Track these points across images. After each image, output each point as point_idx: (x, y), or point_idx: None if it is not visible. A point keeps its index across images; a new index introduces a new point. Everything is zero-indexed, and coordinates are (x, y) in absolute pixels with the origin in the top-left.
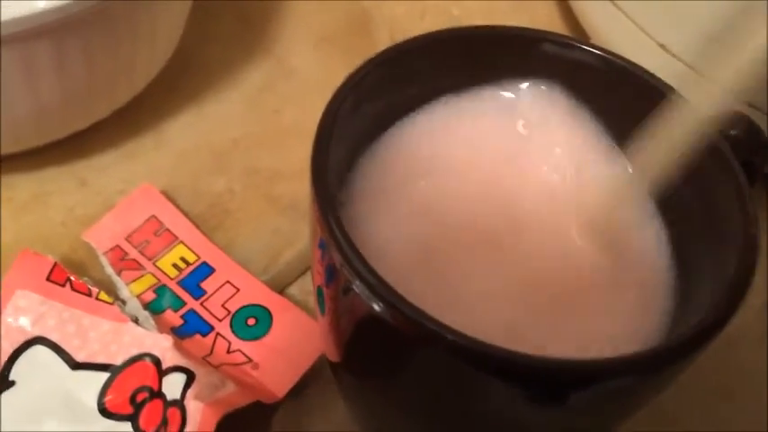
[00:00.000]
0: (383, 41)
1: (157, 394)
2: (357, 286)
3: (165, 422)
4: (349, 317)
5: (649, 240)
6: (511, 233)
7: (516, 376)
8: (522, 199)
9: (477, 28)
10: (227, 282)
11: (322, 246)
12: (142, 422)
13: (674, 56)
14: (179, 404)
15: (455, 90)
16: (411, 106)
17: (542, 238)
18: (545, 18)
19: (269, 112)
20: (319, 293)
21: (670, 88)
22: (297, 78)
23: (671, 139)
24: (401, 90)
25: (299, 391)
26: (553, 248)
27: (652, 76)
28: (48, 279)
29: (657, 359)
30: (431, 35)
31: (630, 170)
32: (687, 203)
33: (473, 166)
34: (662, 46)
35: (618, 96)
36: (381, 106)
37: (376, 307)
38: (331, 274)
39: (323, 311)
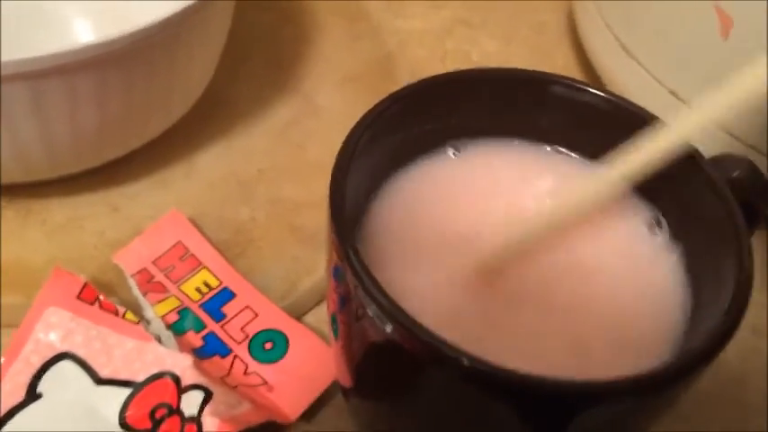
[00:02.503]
0: (405, 82)
1: (176, 411)
2: (370, 309)
3: None
4: (361, 341)
5: (666, 273)
6: (527, 277)
7: (527, 398)
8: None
9: (492, 70)
10: (247, 307)
11: (336, 272)
12: None
13: (683, 102)
14: (196, 420)
15: (469, 131)
16: (427, 144)
17: (559, 276)
18: (562, 64)
19: (294, 147)
20: (333, 320)
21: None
22: (322, 116)
23: (646, 151)
24: (417, 126)
25: (311, 414)
26: (572, 285)
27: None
28: (78, 297)
29: (646, 384)
30: (447, 75)
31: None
32: (696, 240)
33: (487, 212)
34: (672, 93)
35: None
36: (398, 141)
37: (387, 329)
38: (344, 300)
39: (336, 336)
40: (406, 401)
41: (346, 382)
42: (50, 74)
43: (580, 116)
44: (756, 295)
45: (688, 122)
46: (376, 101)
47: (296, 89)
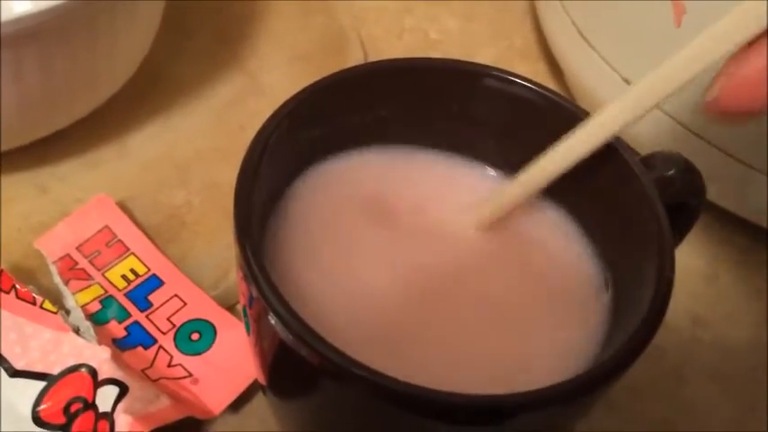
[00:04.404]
0: (357, 62)
1: (91, 405)
2: (270, 317)
3: None
4: (268, 342)
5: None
6: (436, 274)
7: (418, 410)
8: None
9: (418, 60)
10: (175, 295)
11: (242, 272)
12: None
13: None
14: (109, 417)
15: (393, 125)
16: (348, 138)
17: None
18: (521, 45)
19: (235, 128)
20: (244, 313)
21: None
22: (267, 95)
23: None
24: (339, 119)
25: (236, 408)
26: (484, 279)
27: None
28: None
29: (563, 394)
30: (371, 65)
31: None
32: (617, 235)
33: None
34: (626, 80)
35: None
36: (318, 134)
37: (287, 340)
38: (250, 299)
39: (248, 331)
40: (313, 406)
41: (260, 377)
42: None
43: (511, 112)
44: (698, 286)
45: (606, 120)
46: None
47: (240, 67)
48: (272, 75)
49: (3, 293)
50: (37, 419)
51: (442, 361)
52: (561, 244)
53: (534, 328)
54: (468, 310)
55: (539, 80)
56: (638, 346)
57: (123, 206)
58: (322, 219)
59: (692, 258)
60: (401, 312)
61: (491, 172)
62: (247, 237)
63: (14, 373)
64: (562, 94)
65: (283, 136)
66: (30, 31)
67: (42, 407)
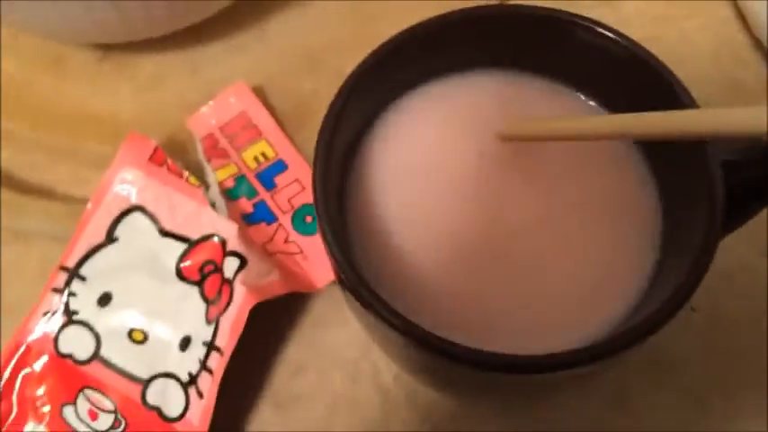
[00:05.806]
0: None
1: (219, 269)
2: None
3: (219, 294)
4: None
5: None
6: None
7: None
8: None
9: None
10: (296, 180)
11: None
12: (206, 289)
13: None
14: (230, 283)
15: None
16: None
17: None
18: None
19: (366, 18)
20: None
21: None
22: None
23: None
24: (427, 61)
25: (334, 289)
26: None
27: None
28: (149, 159)
29: (602, 350)
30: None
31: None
32: (677, 189)
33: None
34: None
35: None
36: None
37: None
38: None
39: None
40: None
41: None
42: None
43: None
44: None
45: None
46: None
47: None
48: None
49: (157, 166)
50: (179, 273)
51: (504, 288)
52: (624, 171)
53: (592, 252)
54: (533, 238)
55: None
56: (673, 307)
57: (260, 90)
58: (416, 142)
59: None
60: (471, 240)
61: (591, 102)
62: (332, 236)
63: (164, 233)
64: None
65: (371, 79)
66: None
67: (184, 264)
